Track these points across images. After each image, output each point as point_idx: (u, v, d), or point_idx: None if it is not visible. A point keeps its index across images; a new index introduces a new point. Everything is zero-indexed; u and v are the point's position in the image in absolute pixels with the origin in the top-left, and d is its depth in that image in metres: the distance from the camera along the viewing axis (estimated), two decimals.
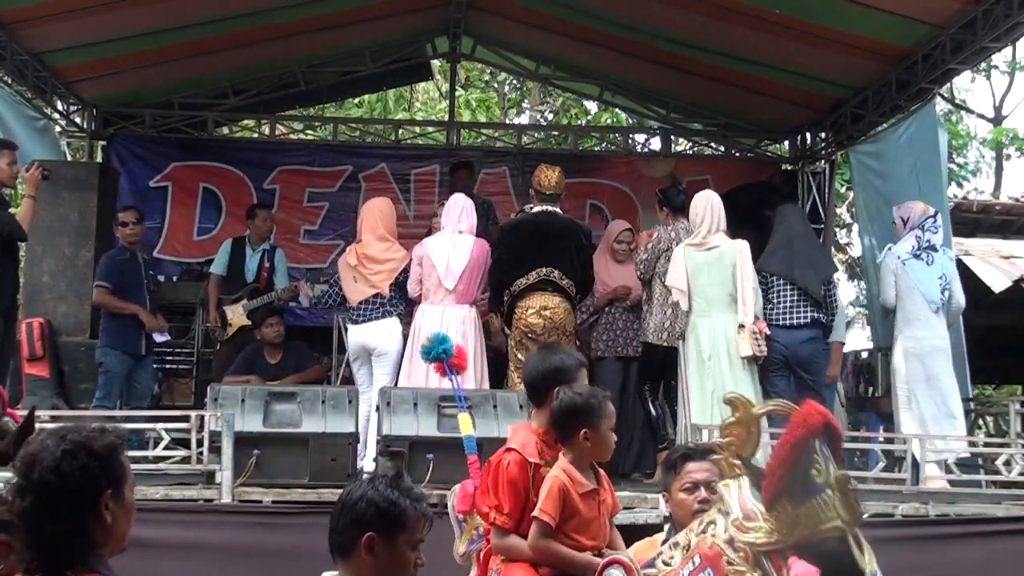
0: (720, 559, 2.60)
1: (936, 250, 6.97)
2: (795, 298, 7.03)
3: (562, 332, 6.69)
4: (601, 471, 3.68)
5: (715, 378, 6.44)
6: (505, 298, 6.89)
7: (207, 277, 8.88)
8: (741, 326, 6.47)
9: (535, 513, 3.49)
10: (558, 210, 7.05)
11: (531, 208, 7.17)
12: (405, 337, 7.02)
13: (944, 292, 6.92)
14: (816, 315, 7.04)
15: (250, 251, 8.63)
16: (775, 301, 7.04)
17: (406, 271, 7.00)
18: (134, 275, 7.75)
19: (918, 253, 6.95)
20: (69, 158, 10.15)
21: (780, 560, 2.53)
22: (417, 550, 2.68)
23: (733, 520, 2.61)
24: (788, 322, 7.00)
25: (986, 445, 7.06)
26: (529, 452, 3.65)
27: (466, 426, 4.36)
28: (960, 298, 7.10)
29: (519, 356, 6.77)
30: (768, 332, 6.90)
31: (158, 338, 7.90)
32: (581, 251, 6.94)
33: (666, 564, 2.82)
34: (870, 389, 9.42)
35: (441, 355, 4.40)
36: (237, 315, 8.40)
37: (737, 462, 2.66)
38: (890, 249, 7.09)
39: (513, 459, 3.65)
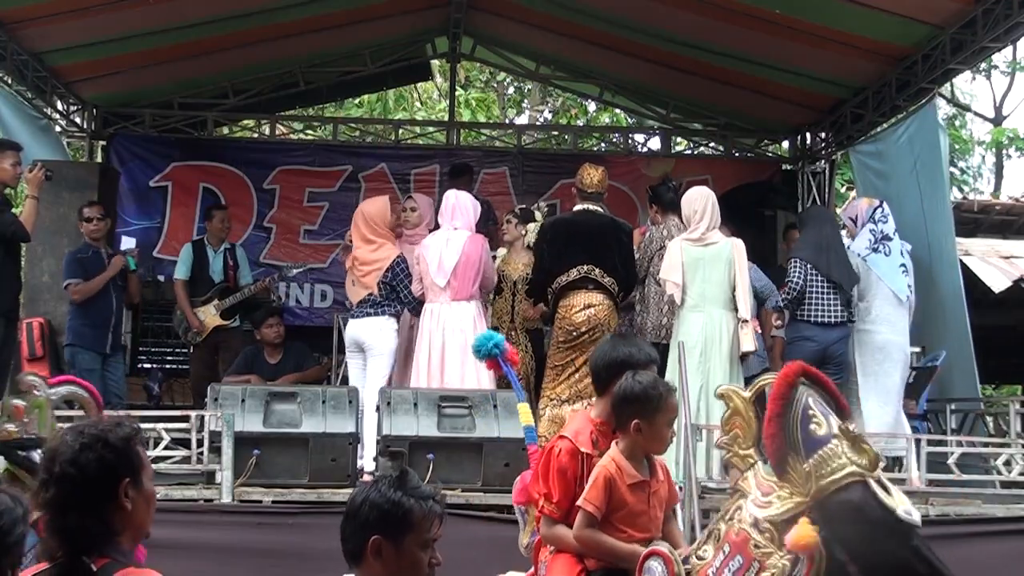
0: (747, 543, 2.53)
1: (891, 239, 7.00)
2: (831, 296, 6.95)
3: (607, 329, 6.66)
4: (659, 462, 3.59)
5: (706, 374, 6.43)
6: (549, 296, 6.88)
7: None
8: (744, 321, 6.49)
9: (580, 503, 3.44)
10: (600, 209, 7.05)
11: (542, 208, 7.18)
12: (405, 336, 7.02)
13: (909, 282, 6.94)
14: (848, 316, 6.99)
15: (212, 253, 8.60)
16: (812, 297, 6.94)
17: (391, 271, 6.88)
18: (99, 272, 7.69)
19: (875, 247, 6.96)
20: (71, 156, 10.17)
21: None
22: (430, 549, 2.60)
23: (753, 500, 2.53)
24: (826, 319, 6.93)
25: (986, 445, 7.05)
26: (582, 441, 3.58)
27: (526, 416, 4.22)
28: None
29: (558, 355, 6.75)
30: (760, 330, 6.87)
31: (126, 244, 7.90)
32: (623, 249, 6.90)
33: (700, 559, 2.76)
34: None
35: (493, 351, 4.26)
36: (210, 316, 8.39)
37: (747, 452, 2.60)
38: (848, 248, 7.09)
39: (565, 447, 3.58)
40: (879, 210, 7.06)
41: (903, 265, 6.98)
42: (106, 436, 2.34)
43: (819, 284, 6.96)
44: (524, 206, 8.15)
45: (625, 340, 4.04)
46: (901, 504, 2.25)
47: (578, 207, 7.06)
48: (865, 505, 2.27)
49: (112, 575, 2.24)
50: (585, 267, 6.73)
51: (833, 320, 6.93)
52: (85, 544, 2.26)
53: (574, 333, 6.64)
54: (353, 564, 2.61)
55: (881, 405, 6.82)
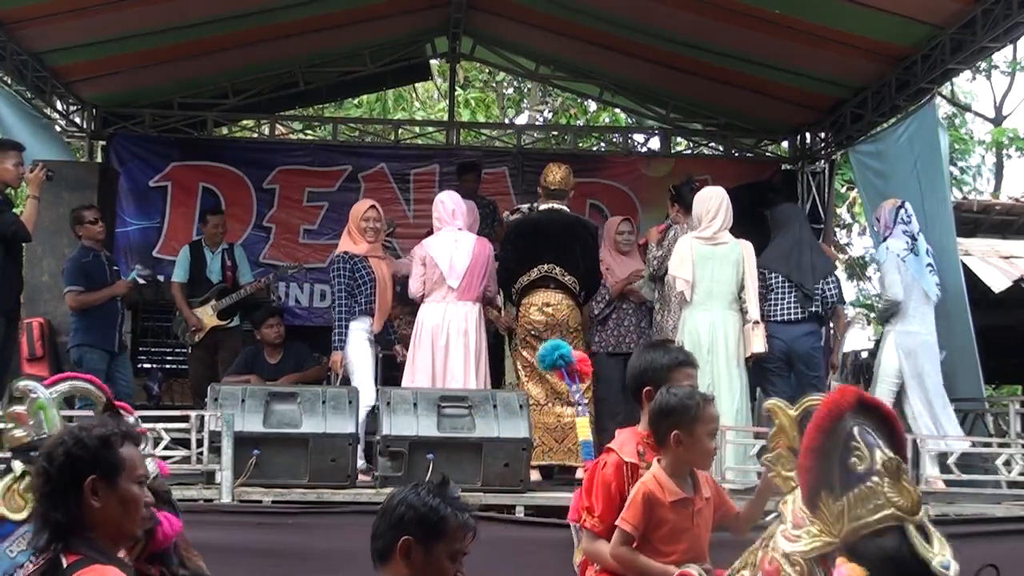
0: (778, 575, 2.39)
1: (916, 238, 7.04)
2: (793, 295, 7.09)
3: (565, 329, 6.67)
4: (707, 479, 3.52)
5: (712, 374, 6.43)
6: (513, 296, 6.90)
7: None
8: (756, 323, 6.54)
9: (617, 521, 3.39)
10: (565, 207, 7.06)
11: (536, 205, 7.18)
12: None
13: (936, 280, 6.98)
14: (813, 310, 7.11)
15: (209, 254, 8.61)
16: (774, 298, 7.08)
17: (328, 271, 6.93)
18: (101, 277, 7.70)
19: (912, 247, 6.99)
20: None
21: (830, 564, 2.21)
22: (458, 562, 2.59)
23: (783, 531, 2.36)
24: (787, 318, 7.06)
25: (987, 445, 7.05)
26: (627, 452, 3.54)
27: (584, 431, 4.17)
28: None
29: (524, 355, 6.76)
30: (767, 332, 6.91)
31: (139, 273, 7.94)
32: (587, 248, 6.92)
33: None
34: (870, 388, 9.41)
35: (558, 362, 4.17)
36: (207, 316, 8.41)
37: (791, 473, 2.43)
38: (887, 248, 7.11)
39: (610, 460, 3.55)
40: (903, 210, 7.09)
41: (930, 264, 7.03)
42: (82, 434, 2.42)
43: (779, 283, 7.08)
44: (536, 204, 8.13)
45: (652, 347, 4.00)
46: (939, 555, 2.06)
47: (544, 206, 7.07)
48: (899, 555, 2.08)
49: (78, 571, 2.29)
50: (546, 266, 6.78)
51: (794, 318, 7.04)
52: (57, 535, 2.33)
53: (532, 332, 6.69)
54: (380, 563, 2.61)
55: (931, 403, 6.87)
